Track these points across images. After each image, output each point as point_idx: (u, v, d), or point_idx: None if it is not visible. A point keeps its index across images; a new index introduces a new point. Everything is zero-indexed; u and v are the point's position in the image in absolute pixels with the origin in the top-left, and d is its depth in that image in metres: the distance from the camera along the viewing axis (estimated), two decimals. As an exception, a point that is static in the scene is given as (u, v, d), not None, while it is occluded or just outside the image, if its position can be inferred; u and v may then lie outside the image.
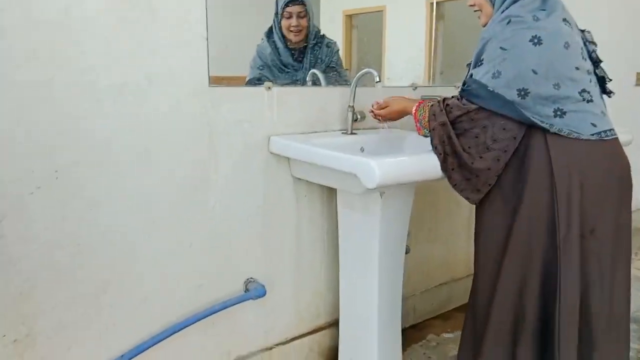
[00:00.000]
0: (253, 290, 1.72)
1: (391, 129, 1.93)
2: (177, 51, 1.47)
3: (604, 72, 1.55)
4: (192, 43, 1.49)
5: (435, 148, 1.48)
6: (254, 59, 1.84)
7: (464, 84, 1.48)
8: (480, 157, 1.45)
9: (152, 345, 1.52)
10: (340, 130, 1.88)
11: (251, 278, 1.76)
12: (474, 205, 1.59)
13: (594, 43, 1.55)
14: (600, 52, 1.58)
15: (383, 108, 1.74)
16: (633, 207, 1.55)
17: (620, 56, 3.31)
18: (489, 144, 1.44)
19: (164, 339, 1.55)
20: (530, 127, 1.43)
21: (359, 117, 1.83)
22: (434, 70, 2.32)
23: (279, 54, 1.86)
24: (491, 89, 1.39)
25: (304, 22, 1.88)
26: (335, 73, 1.98)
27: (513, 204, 1.47)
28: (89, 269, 1.41)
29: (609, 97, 1.56)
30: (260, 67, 1.83)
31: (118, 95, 1.38)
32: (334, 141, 1.74)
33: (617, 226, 1.48)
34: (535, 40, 1.38)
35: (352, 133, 1.83)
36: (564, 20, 1.46)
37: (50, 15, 1.25)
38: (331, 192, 1.90)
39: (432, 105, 1.51)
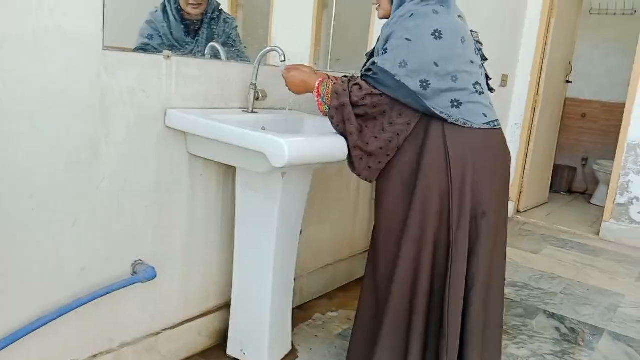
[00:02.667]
0: (142, 273, 1.61)
1: (292, 111, 1.92)
2: (69, 6, 1.30)
3: (486, 70, 1.69)
4: (89, 1, 1.34)
5: (336, 126, 1.52)
6: (143, 28, 1.68)
7: (368, 70, 1.51)
8: (375, 138, 1.52)
9: (28, 333, 1.36)
10: (241, 107, 1.82)
11: (139, 260, 1.65)
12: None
13: (480, 43, 1.69)
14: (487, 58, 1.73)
15: (286, 77, 1.68)
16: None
17: (489, 61, 3.63)
18: (385, 127, 1.52)
19: (41, 326, 1.38)
20: (430, 116, 1.51)
21: (260, 95, 1.79)
22: (330, 56, 2.34)
23: (170, 28, 1.72)
24: (398, 79, 1.45)
25: None
26: (233, 49, 1.91)
27: (411, 189, 1.55)
28: (-50, 249, 1.22)
29: (492, 92, 1.71)
30: (149, 37, 1.68)
31: (-5, 49, 1.19)
32: (235, 118, 1.68)
33: (501, 210, 1.62)
34: (437, 34, 1.46)
35: (252, 112, 1.79)
36: (459, 16, 1.57)
37: None
38: (228, 171, 1.84)
39: (335, 84, 1.54)
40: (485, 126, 1.54)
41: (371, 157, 1.54)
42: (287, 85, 1.68)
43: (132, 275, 1.62)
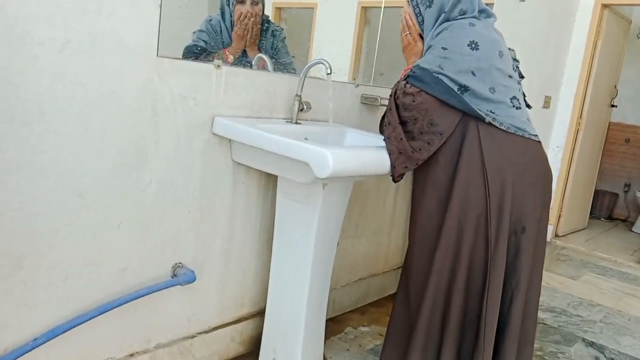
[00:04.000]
0: (181, 276, 1.64)
1: (335, 123, 1.94)
2: (127, 12, 1.36)
3: (522, 87, 1.67)
4: (145, 7, 1.39)
5: (385, 114, 1.55)
6: (200, 31, 1.71)
7: (411, 71, 1.51)
8: (413, 139, 1.51)
9: (69, 329, 1.40)
10: (285, 118, 1.85)
11: (179, 263, 1.68)
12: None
13: (516, 60, 1.68)
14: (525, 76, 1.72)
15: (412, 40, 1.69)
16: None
17: (532, 81, 3.59)
18: (425, 128, 1.50)
19: (81, 323, 1.42)
20: (465, 123, 1.50)
21: (304, 107, 1.81)
22: (374, 71, 2.35)
23: (224, 38, 1.75)
24: (436, 75, 1.45)
25: (257, 9, 1.80)
26: (280, 61, 1.94)
27: (446, 203, 1.53)
28: (3, 241, 1.26)
29: (529, 108, 1.69)
30: (203, 40, 1.71)
31: (57, 52, 1.25)
32: (279, 128, 1.71)
33: (541, 225, 1.59)
34: (473, 45, 1.47)
35: (296, 122, 1.81)
36: (497, 33, 1.58)
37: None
38: (269, 180, 1.86)
39: (400, 81, 1.55)
40: (522, 132, 1.52)
41: (406, 155, 1.52)
42: (406, 41, 1.69)
43: (172, 277, 1.65)
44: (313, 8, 2.23)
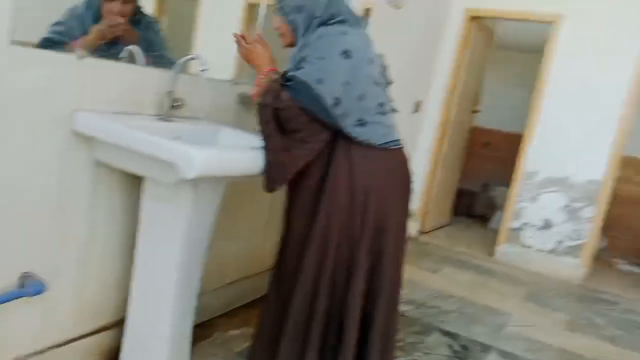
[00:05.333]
0: (28, 286, 1.49)
1: (209, 121, 1.88)
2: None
3: (390, 92, 1.76)
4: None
5: (259, 123, 1.52)
6: (55, 23, 1.52)
7: (288, 80, 1.52)
8: (289, 151, 1.53)
9: None
10: (156, 115, 1.75)
11: (28, 272, 1.52)
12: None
13: (385, 65, 1.76)
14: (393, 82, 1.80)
15: (249, 45, 1.65)
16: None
17: (404, 86, 3.79)
18: (302, 140, 1.53)
19: None
20: (336, 137, 1.57)
21: (177, 103, 1.73)
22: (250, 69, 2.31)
23: (85, 29, 1.58)
24: (316, 92, 1.47)
25: (128, 8, 1.66)
26: (156, 54, 1.81)
27: (315, 208, 1.60)
28: None
29: (395, 112, 1.78)
30: (60, 33, 1.52)
31: None
32: (148, 125, 1.62)
33: (402, 227, 1.71)
34: (345, 55, 1.51)
35: (168, 120, 1.72)
36: (367, 40, 1.64)
37: None
38: (135, 180, 1.75)
39: (273, 82, 1.53)
40: (386, 145, 1.61)
41: (281, 168, 1.54)
42: (242, 51, 1.65)
43: (19, 288, 1.49)
44: (197, 0, 2.14)
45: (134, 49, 1.71)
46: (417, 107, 4.18)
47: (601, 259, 4.66)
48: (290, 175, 1.56)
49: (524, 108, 4.47)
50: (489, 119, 5.57)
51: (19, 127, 1.37)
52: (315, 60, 1.50)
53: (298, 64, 1.53)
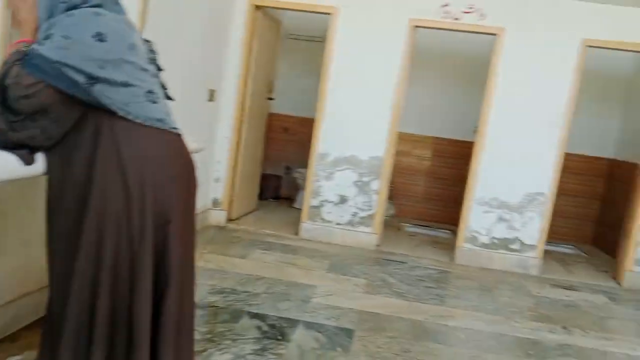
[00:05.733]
0: None
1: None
2: None
3: (163, 80, 1.71)
4: None
5: None
6: None
7: (26, 55, 1.34)
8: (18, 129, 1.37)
9: None
10: None
11: None
12: None
13: (154, 52, 1.70)
14: (177, 71, 1.75)
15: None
16: (201, 207, 1.77)
17: (195, 75, 3.74)
18: (37, 118, 1.38)
19: None
20: (97, 113, 1.42)
21: None
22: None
23: None
24: (58, 67, 1.32)
25: None
26: None
27: (83, 200, 1.44)
28: None
29: (170, 100, 1.73)
30: None
31: None
32: None
33: (188, 217, 1.63)
34: (98, 37, 1.38)
35: None
36: (127, 25, 1.52)
37: None
38: None
39: (9, 55, 1.35)
40: (161, 125, 1.50)
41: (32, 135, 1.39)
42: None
43: None
44: None
45: None
46: (211, 96, 4.17)
47: (392, 225, 5.23)
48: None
49: (313, 94, 4.76)
50: (284, 105, 5.81)
51: None
52: (61, 39, 1.34)
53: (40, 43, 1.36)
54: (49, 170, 1.48)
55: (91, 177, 1.43)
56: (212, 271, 3.34)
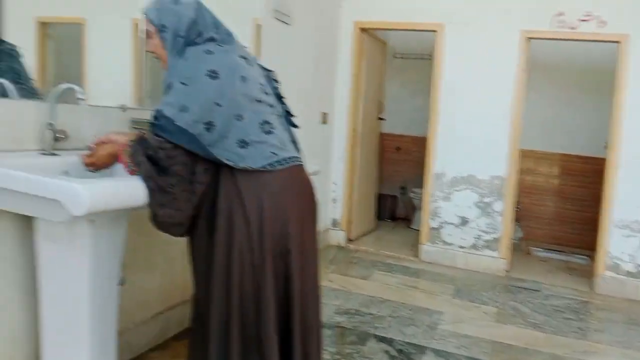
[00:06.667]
0: None
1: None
2: None
3: (288, 107, 1.74)
4: None
5: (145, 184, 1.42)
6: None
7: (155, 118, 1.45)
8: (183, 191, 1.47)
9: None
10: (38, 150, 1.62)
11: None
12: None
13: (277, 81, 1.74)
14: (294, 97, 1.78)
15: (91, 157, 1.55)
16: (321, 227, 1.77)
17: (308, 99, 3.83)
18: (190, 178, 1.47)
19: None
20: (219, 165, 1.50)
21: (61, 136, 1.61)
22: (143, 93, 2.22)
23: None
24: (178, 124, 1.41)
25: None
26: (24, 86, 1.68)
27: (212, 230, 1.53)
28: None
29: (296, 128, 1.75)
30: None
31: None
32: (31, 162, 1.50)
33: (304, 244, 1.63)
34: (212, 75, 1.45)
35: (52, 154, 1.60)
36: (242, 57, 1.58)
37: None
38: (29, 222, 1.61)
39: (131, 145, 1.44)
40: (277, 165, 1.54)
41: (181, 212, 1.48)
42: (94, 167, 1.55)
43: None
44: (82, 24, 2.03)
45: (4, 81, 1.58)
46: (324, 119, 4.24)
47: (519, 249, 4.89)
48: (189, 215, 1.50)
49: (426, 112, 4.65)
50: (396, 124, 5.75)
51: None
52: (179, 86, 1.44)
53: (165, 91, 1.48)
54: None
55: (216, 209, 1.52)
56: (336, 291, 3.33)
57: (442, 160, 4.22)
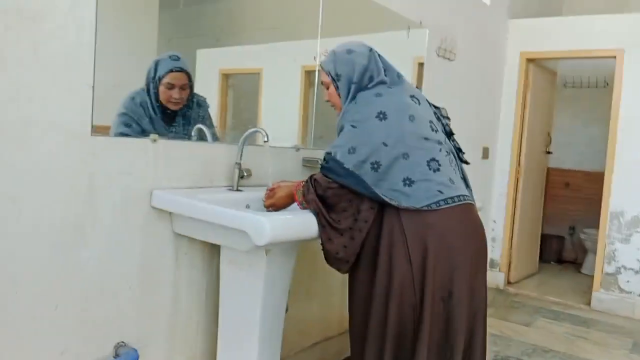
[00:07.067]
0: (123, 355, 1.59)
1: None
2: (60, 97, 1.37)
3: (458, 144, 1.75)
4: (78, 91, 1.41)
5: (316, 219, 1.55)
6: (121, 114, 1.65)
7: (325, 160, 1.57)
8: (350, 229, 1.56)
9: None
10: (226, 186, 1.87)
11: (122, 342, 1.62)
12: None
13: (447, 118, 1.76)
14: (455, 132, 1.80)
15: (270, 198, 1.73)
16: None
17: (470, 134, 3.77)
18: (356, 216, 1.56)
19: (14, 416, 1.34)
20: (383, 204, 1.55)
21: (245, 174, 1.84)
22: (310, 134, 2.42)
23: (152, 122, 1.71)
24: (347, 167, 1.51)
25: (185, 94, 1.79)
26: (209, 131, 1.92)
27: (372, 270, 1.58)
28: None
29: (467, 164, 1.76)
30: (127, 125, 1.65)
31: (-15, 137, 1.24)
32: (220, 197, 1.72)
33: (474, 290, 1.61)
34: (381, 116, 1.53)
35: (237, 190, 1.83)
36: (412, 97, 1.64)
37: None
38: (213, 250, 1.85)
39: (303, 185, 1.59)
40: (444, 204, 1.54)
41: (346, 249, 1.57)
42: (274, 207, 1.72)
43: (115, 357, 1.59)
44: (258, 73, 2.30)
45: (202, 127, 1.86)
46: (485, 154, 4.12)
47: None
48: (355, 252, 1.58)
49: (600, 144, 4.27)
50: (565, 158, 5.35)
51: (104, 207, 1.52)
52: (349, 129, 1.54)
53: (338, 134, 1.60)
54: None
55: (378, 249, 1.57)
56: (495, 337, 3.17)
57: (620, 198, 3.82)
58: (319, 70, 1.73)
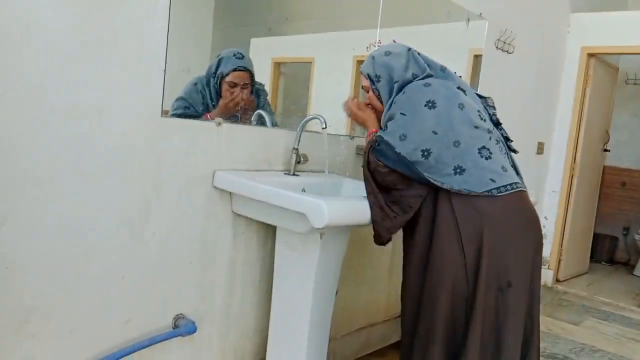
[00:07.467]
0: (182, 327, 1.68)
1: (331, 174, 2.01)
2: (134, 80, 1.45)
3: (506, 132, 1.73)
4: (150, 74, 1.49)
5: (365, 182, 1.62)
6: (179, 99, 1.70)
7: (376, 143, 1.59)
8: (394, 214, 1.59)
9: (73, 382, 1.43)
10: (283, 170, 1.93)
11: (181, 314, 1.71)
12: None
13: (493, 107, 1.75)
14: (510, 126, 1.79)
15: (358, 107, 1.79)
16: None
17: (525, 128, 3.70)
18: (398, 198, 1.59)
19: (85, 375, 1.45)
20: (436, 188, 1.57)
21: (302, 159, 1.89)
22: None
23: (206, 101, 1.77)
24: (397, 151, 1.53)
25: (247, 92, 1.84)
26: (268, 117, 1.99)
27: (425, 260, 1.60)
28: (15, 295, 1.31)
29: (515, 153, 1.75)
30: (186, 108, 1.72)
31: (67, 117, 1.33)
32: (277, 180, 1.78)
33: (532, 282, 1.60)
34: (430, 104, 1.54)
35: (294, 174, 1.88)
36: (459, 88, 1.64)
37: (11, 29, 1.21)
38: (268, 231, 1.92)
39: (369, 144, 1.63)
40: (496, 192, 1.53)
41: (383, 223, 1.60)
42: (349, 113, 1.81)
43: (174, 328, 1.68)
44: (310, 62, 2.34)
45: (263, 113, 1.92)
46: (540, 149, 4.03)
47: None
48: (391, 232, 1.61)
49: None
50: (623, 157, 5.16)
51: (169, 186, 1.60)
52: (399, 117, 1.56)
53: (386, 123, 1.61)
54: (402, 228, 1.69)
55: (431, 238, 1.58)
56: (542, 333, 3.11)
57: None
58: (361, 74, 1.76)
